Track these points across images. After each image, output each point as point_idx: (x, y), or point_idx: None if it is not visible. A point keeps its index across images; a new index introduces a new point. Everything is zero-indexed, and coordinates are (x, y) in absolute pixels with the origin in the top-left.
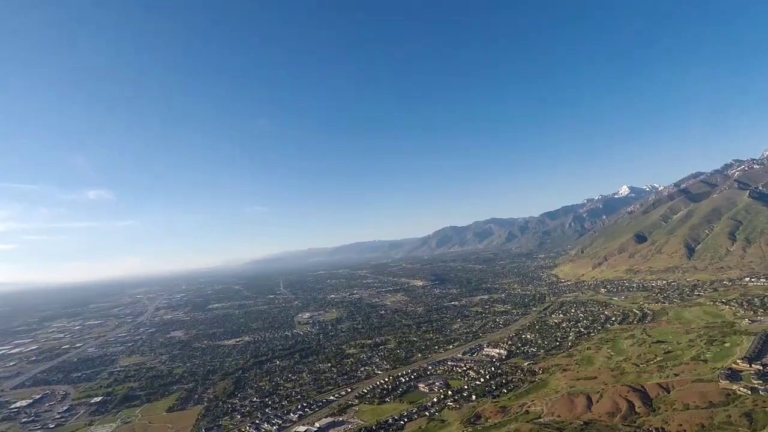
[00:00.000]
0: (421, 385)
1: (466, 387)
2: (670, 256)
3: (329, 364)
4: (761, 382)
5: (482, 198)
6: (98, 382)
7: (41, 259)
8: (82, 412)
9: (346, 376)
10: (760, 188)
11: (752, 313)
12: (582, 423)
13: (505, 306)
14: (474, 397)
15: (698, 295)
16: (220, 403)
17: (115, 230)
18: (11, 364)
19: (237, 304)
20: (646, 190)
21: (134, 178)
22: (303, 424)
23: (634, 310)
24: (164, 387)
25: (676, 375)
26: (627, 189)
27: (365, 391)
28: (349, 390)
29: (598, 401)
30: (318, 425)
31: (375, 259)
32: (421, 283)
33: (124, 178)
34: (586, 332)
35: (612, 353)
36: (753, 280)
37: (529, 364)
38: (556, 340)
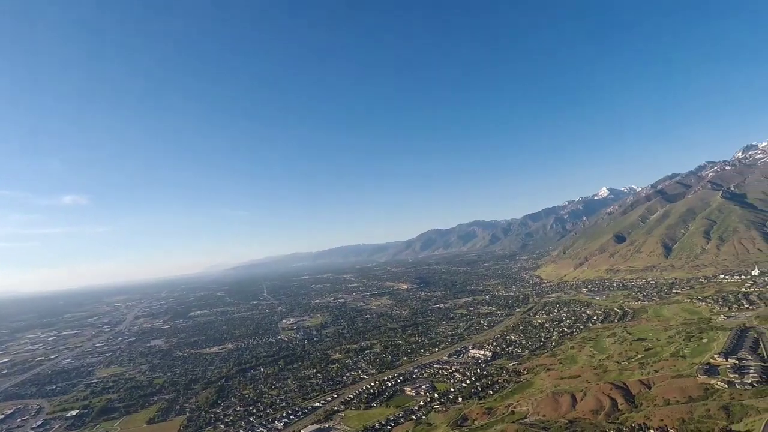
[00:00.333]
0: (407, 389)
1: (452, 389)
2: (649, 256)
3: (314, 370)
4: (737, 375)
5: (465, 201)
6: (74, 395)
7: (13, 267)
8: (57, 426)
9: (331, 382)
10: (732, 189)
11: (727, 309)
12: (567, 422)
13: (490, 307)
14: (460, 399)
15: (676, 292)
16: (203, 413)
17: (91, 236)
18: None
19: (219, 310)
20: (625, 191)
21: (111, 183)
22: None
23: (615, 308)
24: (144, 398)
25: (656, 371)
26: (606, 190)
27: (351, 396)
28: (335, 396)
29: (582, 399)
30: None
31: (359, 262)
32: (405, 287)
33: (100, 183)
34: (569, 332)
35: (594, 352)
36: (727, 277)
37: (514, 364)
38: (540, 340)
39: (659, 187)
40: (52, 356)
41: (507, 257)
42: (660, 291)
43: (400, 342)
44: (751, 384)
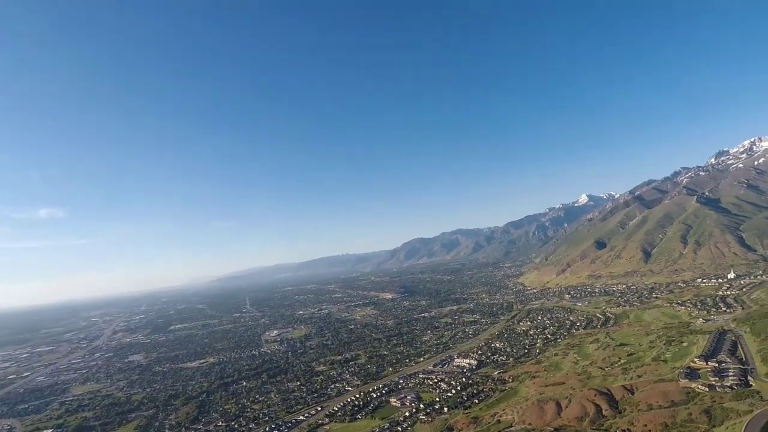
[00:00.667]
0: (392, 400)
1: (437, 399)
2: (629, 261)
3: (298, 383)
4: (717, 378)
5: (448, 209)
6: (48, 414)
7: None
8: None
9: (315, 395)
10: (707, 193)
11: (705, 312)
12: (552, 429)
13: (474, 316)
14: (446, 409)
15: (656, 297)
16: (183, 429)
17: (68, 249)
18: None
19: (201, 324)
20: (604, 197)
21: (89, 194)
22: None
23: (598, 314)
24: (122, 415)
25: (639, 376)
26: (586, 197)
27: (336, 408)
28: (320, 408)
29: (567, 406)
30: None
31: (343, 273)
32: (390, 296)
33: (76, 195)
34: (552, 338)
35: (578, 358)
36: (705, 281)
37: (499, 372)
38: (525, 348)
39: (637, 193)
40: (25, 374)
41: (490, 265)
42: (641, 296)
43: (385, 352)
44: (731, 387)
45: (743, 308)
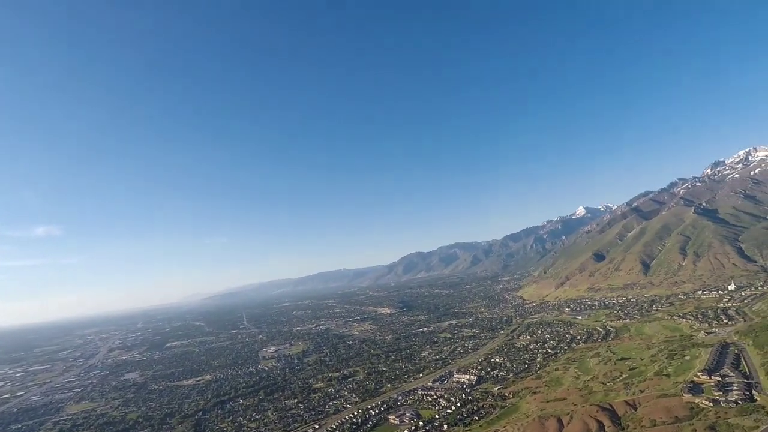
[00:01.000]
0: (391, 417)
1: (437, 416)
2: (628, 273)
3: (296, 400)
4: (721, 393)
5: (446, 223)
6: None
7: None
8: None
9: (313, 412)
10: (704, 204)
11: (707, 325)
12: None
13: (473, 330)
14: (446, 426)
15: (656, 310)
16: None
17: (64, 267)
18: None
19: (197, 341)
20: (601, 209)
21: (85, 212)
22: None
23: (598, 328)
24: None
25: (641, 391)
26: (583, 209)
27: (334, 426)
28: (317, 426)
29: (568, 423)
30: None
31: (341, 288)
32: (388, 311)
33: (72, 212)
34: (553, 353)
35: (579, 373)
36: (705, 292)
37: (499, 388)
38: (525, 363)
39: (634, 204)
40: (19, 393)
41: (489, 278)
42: (641, 309)
43: (384, 368)
44: (735, 401)
45: (745, 320)
